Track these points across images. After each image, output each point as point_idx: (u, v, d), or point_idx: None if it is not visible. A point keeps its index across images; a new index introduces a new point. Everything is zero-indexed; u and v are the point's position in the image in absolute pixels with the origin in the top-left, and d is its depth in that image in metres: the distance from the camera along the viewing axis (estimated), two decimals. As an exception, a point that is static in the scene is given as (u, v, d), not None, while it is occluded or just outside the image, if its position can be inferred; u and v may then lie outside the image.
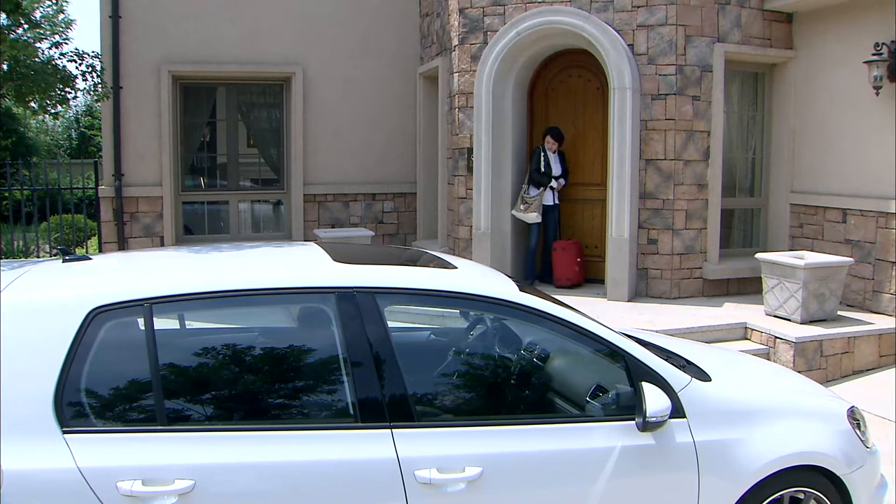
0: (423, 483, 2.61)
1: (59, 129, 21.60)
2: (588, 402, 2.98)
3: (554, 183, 7.93)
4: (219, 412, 2.65)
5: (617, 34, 7.37)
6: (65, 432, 2.43)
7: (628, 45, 7.41)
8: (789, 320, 6.50)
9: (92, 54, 6.30)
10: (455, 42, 8.30)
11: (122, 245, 8.94)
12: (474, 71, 8.11)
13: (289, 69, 9.26)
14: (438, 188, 9.01)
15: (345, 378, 2.68)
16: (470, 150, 8.19)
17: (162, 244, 9.08)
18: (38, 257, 9.62)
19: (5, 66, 5.68)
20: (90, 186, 9.33)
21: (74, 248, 11.03)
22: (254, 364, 2.76)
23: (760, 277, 6.91)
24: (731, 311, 7.01)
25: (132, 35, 8.76)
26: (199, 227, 9.66)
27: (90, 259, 3.11)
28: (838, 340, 6.29)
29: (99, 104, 6.50)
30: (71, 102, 6.56)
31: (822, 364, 6.23)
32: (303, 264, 3.03)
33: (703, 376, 3.24)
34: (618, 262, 7.40)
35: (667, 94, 7.40)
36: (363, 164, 9.63)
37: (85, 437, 2.44)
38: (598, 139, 8.08)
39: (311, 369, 2.77)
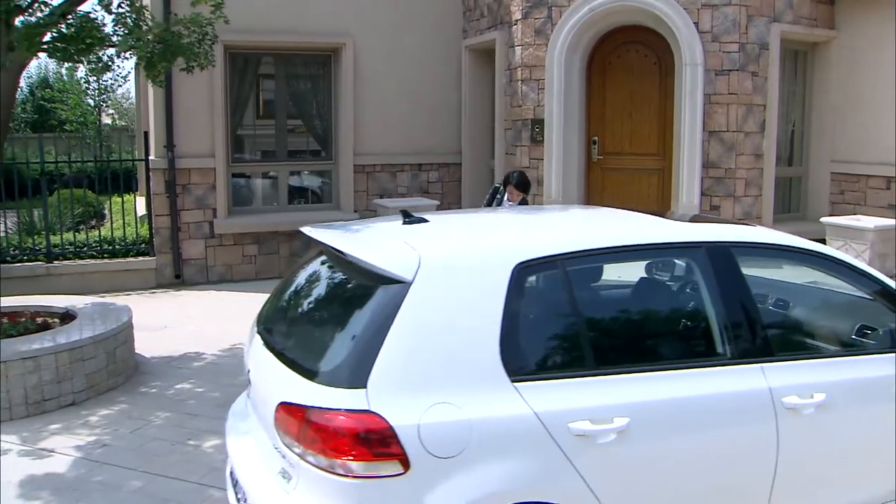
0: (788, 408, 2.98)
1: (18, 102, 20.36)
2: (862, 337, 3.42)
3: None
4: (632, 355, 2.93)
5: (686, 13, 7.81)
6: (513, 381, 2.64)
7: (693, 23, 7.86)
8: (855, 278, 7.17)
9: (205, 21, 6.19)
10: (517, 16, 8.54)
11: (175, 218, 8.79)
12: (539, 45, 8.40)
13: (339, 40, 9.26)
14: (495, 158, 9.27)
15: (721, 321, 3.00)
16: (534, 122, 8.50)
17: (214, 216, 8.97)
18: (59, 232, 9.32)
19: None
20: (139, 158, 9.06)
21: (95, 221, 10.69)
22: (652, 312, 3.06)
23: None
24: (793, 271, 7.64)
25: (183, 2, 8.51)
26: (244, 199, 9.58)
27: (428, 221, 3.27)
28: (904, 294, 7.00)
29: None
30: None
31: (889, 316, 6.93)
32: (667, 223, 3.31)
33: None
34: (687, 227, 7.90)
35: (730, 70, 7.90)
36: (408, 135, 9.76)
37: (532, 385, 2.64)
38: (654, 112, 8.53)
39: (696, 314, 3.09)
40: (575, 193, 8.49)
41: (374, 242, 2.94)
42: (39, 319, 6.09)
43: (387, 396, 2.50)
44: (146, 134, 8.93)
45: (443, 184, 10.06)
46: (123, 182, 9.87)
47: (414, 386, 2.54)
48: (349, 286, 2.93)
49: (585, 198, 8.83)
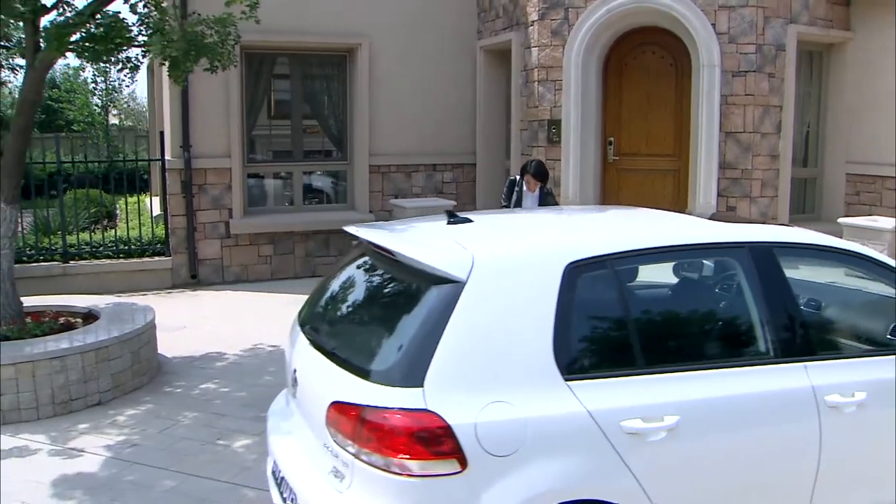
0: (831, 407, 3.00)
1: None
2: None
3: None
4: (680, 354, 2.94)
5: (703, 14, 7.82)
6: (566, 379, 2.65)
7: (710, 24, 7.87)
8: (873, 278, 7.19)
9: (230, 21, 6.18)
10: (534, 17, 8.56)
11: (191, 218, 8.80)
12: (555, 45, 8.41)
13: (355, 40, 9.28)
14: (511, 158, 9.28)
15: (765, 320, 3.02)
16: (550, 122, 8.52)
17: (230, 216, 8.98)
18: (73, 231, 9.32)
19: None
20: (156, 158, 9.06)
21: (107, 222, 10.70)
22: (697, 311, 3.09)
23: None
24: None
25: (199, 2, 8.53)
26: (260, 199, 9.60)
27: (472, 221, 3.29)
28: (923, 295, 7.02)
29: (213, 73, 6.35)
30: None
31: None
32: (710, 223, 3.33)
33: None
34: (704, 228, 7.92)
35: (746, 72, 7.91)
36: (422, 136, 9.78)
37: (584, 383, 2.66)
38: (670, 113, 8.54)
39: (740, 314, 3.10)
40: (591, 194, 8.51)
41: (424, 242, 2.95)
42: (62, 319, 6.10)
43: (444, 395, 2.51)
44: (162, 134, 8.93)
45: (457, 184, 10.07)
46: (133, 182, 9.92)
47: (470, 385, 2.55)
48: (400, 286, 2.94)
49: (601, 198, 8.84)
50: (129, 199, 10.92)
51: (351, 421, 2.59)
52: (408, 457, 2.48)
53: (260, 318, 7.66)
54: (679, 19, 7.86)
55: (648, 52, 8.60)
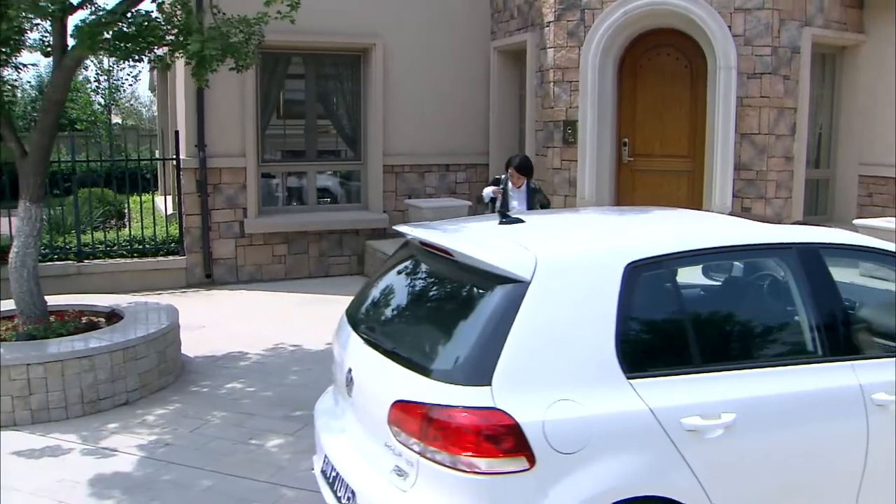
0: (878, 405, 3.02)
1: (26, 100, 20.22)
2: None
3: None
4: (735, 353, 2.98)
5: (720, 17, 7.86)
6: (628, 377, 2.68)
7: (727, 26, 7.92)
8: (888, 279, 7.24)
9: (254, 20, 6.18)
10: (550, 18, 8.59)
11: (206, 218, 8.79)
12: (571, 47, 8.44)
13: (369, 40, 9.29)
14: (525, 160, 9.30)
15: (813, 320, 3.06)
16: (566, 123, 8.55)
17: (245, 216, 8.98)
18: (87, 230, 9.31)
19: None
20: (170, 157, 9.05)
21: (115, 221, 10.68)
22: (749, 311, 3.13)
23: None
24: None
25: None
26: (274, 199, 9.60)
27: (524, 221, 3.32)
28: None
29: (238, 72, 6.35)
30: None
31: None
32: (758, 225, 3.36)
33: None
34: (720, 229, 7.96)
35: (762, 74, 7.95)
36: (435, 136, 9.80)
37: (645, 381, 2.69)
38: (684, 114, 8.58)
39: (790, 314, 3.13)
40: (606, 195, 8.54)
41: (483, 243, 2.97)
42: (84, 319, 6.09)
43: (511, 393, 2.53)
44: (177, 133, 8.91)
45: (470, 184, 10.09)
46: (142, 182, 9.92)
47: (537, 383, 2.58)
48: (459, 286, 2.96)
49: (616, 199, 8.88)
50: (137, 199, 10.89)
51: (416, 419, 2.60)
52: (476, 454, 2.50)
53: (277, 317, 7.67)
54: (696, 21, 7.90)
55: (663, 54, 8.63)
